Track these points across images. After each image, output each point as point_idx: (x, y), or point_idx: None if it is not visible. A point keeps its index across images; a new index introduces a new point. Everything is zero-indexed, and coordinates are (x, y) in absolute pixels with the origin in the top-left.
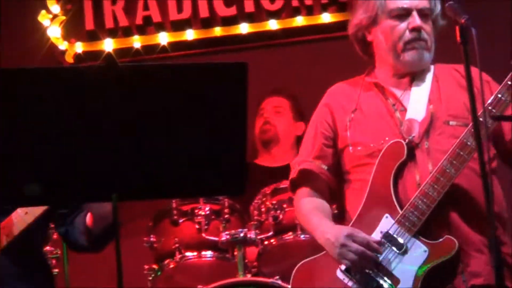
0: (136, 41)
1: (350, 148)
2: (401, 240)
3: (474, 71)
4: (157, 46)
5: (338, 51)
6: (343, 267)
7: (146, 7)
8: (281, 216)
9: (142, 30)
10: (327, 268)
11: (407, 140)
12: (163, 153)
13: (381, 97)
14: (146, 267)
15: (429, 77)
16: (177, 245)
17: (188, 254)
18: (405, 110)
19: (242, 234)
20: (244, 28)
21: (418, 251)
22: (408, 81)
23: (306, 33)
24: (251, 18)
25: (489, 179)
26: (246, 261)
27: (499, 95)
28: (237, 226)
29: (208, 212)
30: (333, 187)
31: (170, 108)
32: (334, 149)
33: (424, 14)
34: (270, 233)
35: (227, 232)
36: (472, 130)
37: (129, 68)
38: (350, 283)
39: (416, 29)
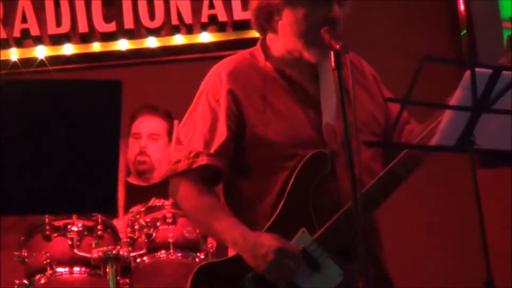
0: (14, 54)
1: (264, 146)
2: (317, 259)
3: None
4: (35, 59)
5: None
6: (249, 275)
7: (24, 20)
8: (154, 234)
9: (19, 42)
10: (231, 275)
11: (329, 151)
12: (35, 168)
13: (288, 89)
14: (17, 282)
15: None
16: (48, 260)
17: (60, 269)
18: (317, 108)
19: (114, 251)
20: (123, 44)
21: (333, 274)
22: (312, 71)
23: (185, 52)
24: (130, 34)
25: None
26: (118, 278)
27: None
28: (110, 243)
29: (81, 228)
30: (222, 180)
31: (44, 123)
32: (236, 144)
33: (341, 4)
34: (143, 251)
35: (99, 249)
36: (403, 159)
37: (5, 82)
38: None
39: (333, 20)
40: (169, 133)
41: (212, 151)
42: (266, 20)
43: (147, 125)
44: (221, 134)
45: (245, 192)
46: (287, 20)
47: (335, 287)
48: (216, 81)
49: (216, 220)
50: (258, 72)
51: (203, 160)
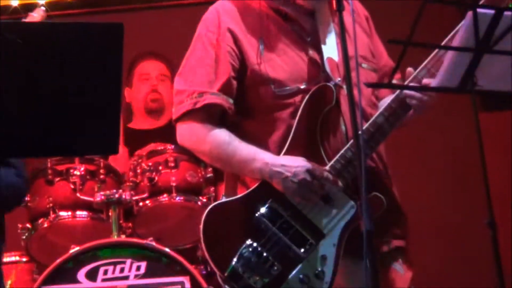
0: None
1: (268, 84)
2: (328, 193)
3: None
4: (36, 5)
5: None
6: (263, 212)
7: None
8: (156, 178)
9: None
10: (244, 212)
11: (333, 84)
12: (37, 110)
13: (288, 29)
14: (20, 226)
15: (327, 11)
16: (51, 204)
17: (63, 213)
18: (317, 45)
19: (117, 195)
20: None
21: (346, 207)
22: (307, 9)
23: None
24: None
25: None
26: (121, 221)
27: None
28: (112, 187)
29: (83, 172)
30: (228, 121)
31: (46, 66)
32: (239, 83)
33: None
34: (145, 195)
35: (102, 193)
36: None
37: (5, 25)
38: (267, 231)
39: None
40: (172, 79)
41: (216, 89)
42: None
43: (154, 67)
44: (224, 72)
45: (251, 133)
46: None
47: (349, 220)
48: (214, 21)
49: (236, 152)
50: (254, 12)
51: (207, 99)
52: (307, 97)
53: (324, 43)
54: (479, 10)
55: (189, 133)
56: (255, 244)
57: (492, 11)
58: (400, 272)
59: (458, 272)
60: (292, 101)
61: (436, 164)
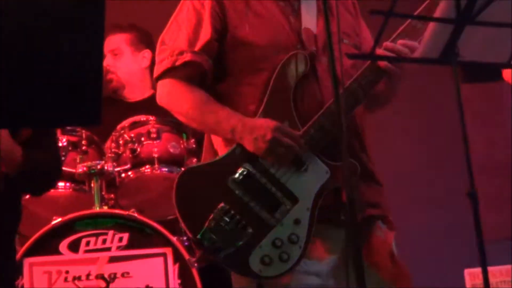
0: None
1: (245, 48)
2: (302, 158)
3: None
4: None
5: None
6: (236, 175)
7: None
8: (139, 149)
9: None
10: (217, 176)
11: (308, 53)
12: (15, 80)
13: None
14: None
15: None
16: None
17: None
18: (298, 14)
19: (99, 166)
20: None
21: (320, 172)
22: None
23: None
24: None
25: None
26: (103, 193)
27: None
28: (94, 158)
29: (65, 144)
30: (206, 84)
31: (26, 35)
32: (220, 45)
33: None
34: (128, 166)
35: (84, 164)
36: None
37: None
38: (240, 194)
39: None
40: (132, 43)
41: (196, 49)
42: None
43: (108, 43)
44: (206, 33)
45: (224, 96)
46: None
47: (323, 184)
48: None
49: (211, 112)
50: None
51: (187, 57)
52: (281, 63)
53: (306, 13)
54: None
55: (167, 91)
56: (227, 208)
57: None
58: (381, 236)
59: (440, 242)
60: (267, 66)
61: (418, 134)
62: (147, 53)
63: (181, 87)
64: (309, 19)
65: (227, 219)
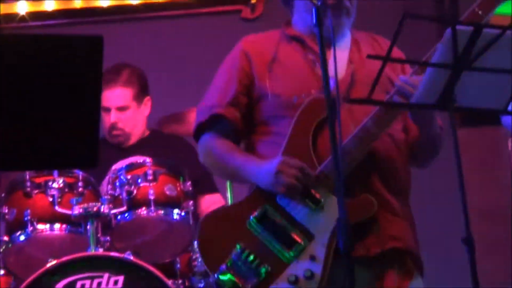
0: None
1: (269, 97)
2: (318, 196)
3: (385, 43)
4: (16, 15)
5: (198, 28)
6: (255, 215)
7: None
8: (135, 191)
9: None
10: (238, 217)
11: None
12: (14, 123)
13: (301, 51)
14: None
15: (348, 39)
16: (29, 217)
17: (40, 226)
18: (324, 64)
19: (95, 208)
20: (105, 0)
21: (336, 208)
22: (327, 40)
23: (167, 8)
24: None
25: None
26: (99, 235)
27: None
28: (90, 200)
29: (61, 185)
30: (241, 138)
31: (24, 78)
32: (248, 99)
33: None
34: (124, 208)
35: (80, 206)
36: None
37: None
38: (257, 233)
39: None
40: (136, 97)
41: (224, 102)
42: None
43: (113, 98)
44: (233, 87)
45: (255, 147)
46: None
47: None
48: (236, 49)
49: (232, 159)
50: (274, 39)
51: (216, 111)
52: (300, 108)
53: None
54: (458, 27)
55: (200, 149)
56: (244, 247)
57: (471, 28)
58: (394, 282)
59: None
60: (290, 113)
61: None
62: (147, 101)
63: (211, 142)
64: (337, 67)
65: (243, 257)
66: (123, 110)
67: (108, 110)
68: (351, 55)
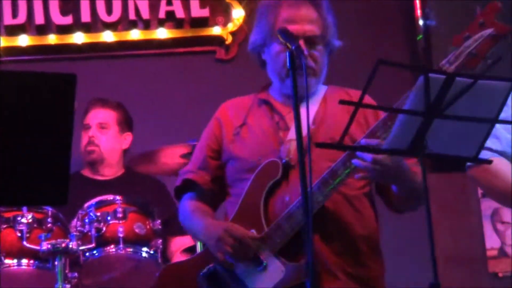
0: None
1: (233, 160)
2: (262, 257)
3: (356, 95)
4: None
5: (173, 67)
6: (204, 272)
7: None
8: (104, 229)
9: None
10: (190, 273)
11: (284, 160)
12: None
13: (269, 114)
14: None
15: (317, 98)
16: None
17: (8, 261)
18: (288, 129)
19: (63, 244)
20: (79, 37)
21: (276, 271)
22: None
23: (141, 47)
24: (87, 28)
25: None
26: (67, 271)
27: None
28: (59, 236)
29: (30, 220)
30: (217, 198)
31: None
32: (218, 162)
33: (312, 41)
34: (92, 245)
35: (48, 242)
36: (345, 157)
37: None
38: None
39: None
40: (119, 122)
41: (195, 168)
42: (260, 61)
43: (96, 115)
44: (203, 152)
45: (226, 209)
46: (267, 57)
47: (277, 283)
48: (214, 116)
49: (193, 220)
50: (247, 103)
51: (187, 176)
52: (255, 171)
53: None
54: (431, 74)
55: (179, 209)
56: None
57: (443, 76)
58: None
59: None
60: (249, 176)
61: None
62: (128, 136)
63: (183, 203)
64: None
65: None
66: (103, 128)
67: (87, 127)
68: (316, 116)
